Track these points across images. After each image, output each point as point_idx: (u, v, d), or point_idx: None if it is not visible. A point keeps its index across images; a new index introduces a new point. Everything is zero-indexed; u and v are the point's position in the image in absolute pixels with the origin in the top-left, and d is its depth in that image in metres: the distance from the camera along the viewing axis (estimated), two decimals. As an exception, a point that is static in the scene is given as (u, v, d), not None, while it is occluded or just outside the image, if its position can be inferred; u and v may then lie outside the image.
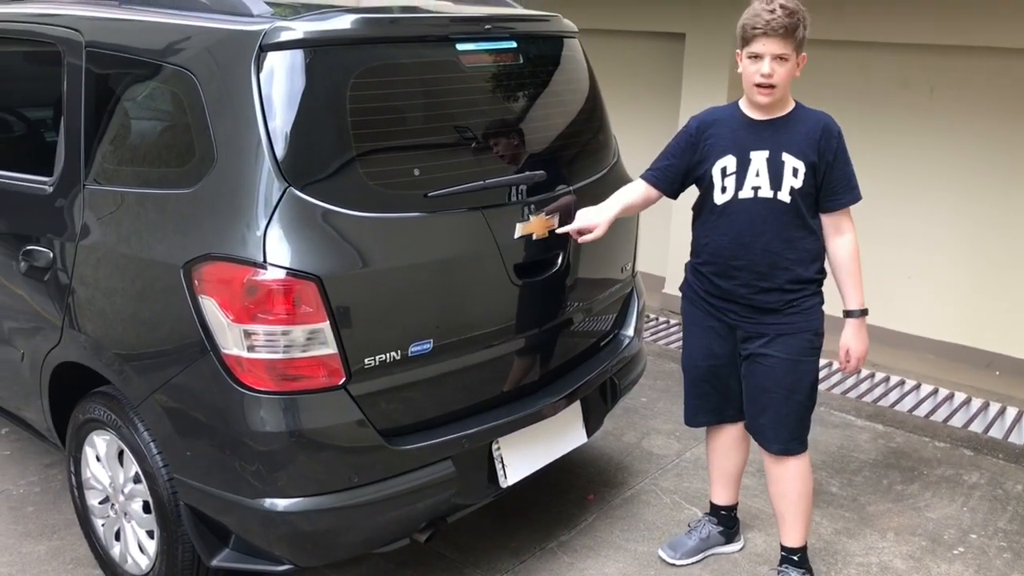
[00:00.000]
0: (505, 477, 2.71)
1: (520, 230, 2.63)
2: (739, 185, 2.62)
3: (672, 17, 5.43)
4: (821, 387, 4.57)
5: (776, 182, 2.58)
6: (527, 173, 2.69)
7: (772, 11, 2.46)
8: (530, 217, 2.66)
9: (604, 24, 5.71)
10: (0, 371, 3.18)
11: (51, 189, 2.76)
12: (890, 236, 4.90)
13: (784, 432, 2.75)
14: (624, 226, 3.17)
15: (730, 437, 2.98)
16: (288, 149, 2.27)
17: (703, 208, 2.73)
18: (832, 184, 2.59)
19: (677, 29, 5.46)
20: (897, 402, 4.48)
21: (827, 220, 2.64)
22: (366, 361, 2.34)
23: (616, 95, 5.80)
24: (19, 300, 2.90)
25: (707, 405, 2.92)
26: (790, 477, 2.80)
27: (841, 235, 2.65)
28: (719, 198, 2.66)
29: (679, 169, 2.72)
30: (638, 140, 5.70)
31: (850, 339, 2.70)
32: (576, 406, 2.95)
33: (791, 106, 2.62)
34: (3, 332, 3.05)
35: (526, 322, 2.73)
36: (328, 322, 2.26)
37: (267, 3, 2.48)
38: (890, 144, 4.84)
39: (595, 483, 3.60)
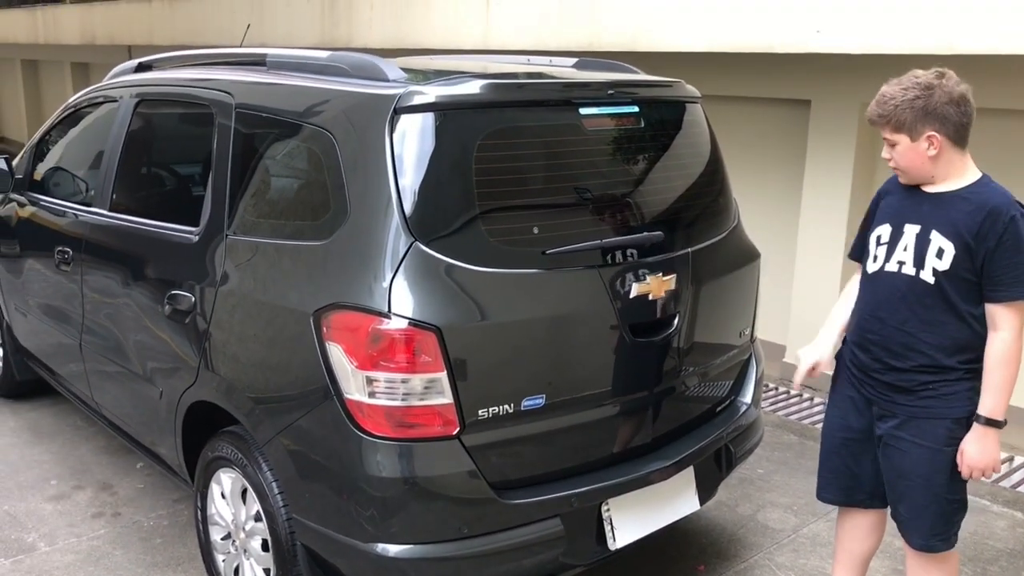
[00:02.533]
0: (614, 540, 2.68)
1: (636, 290, 2.64)
2: (887, 256, 2.50)
3: (797, 84, 5.38)
4: (953, 468, 4.32)
5: (919, 260, 2.42)
6: (645, 234, 2.71)
7: (875, 100, 2.41)
8: (647, 277, 2.67)
9: (729, 91, 5.71)
10: (140, 407, 3.40)
11: (197, 238, 2.96)
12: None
13: (923, 526, 2.53)
14: (743, 289, 3.14)
15: (864, 522, 2.78)
16: (416, 206, 2.38)
17: (861, 276, 2.65)
18: (992, 273, 2.34)
19: (802, 96, 5.41)
20: (1039, 489, 4.17)
21: (987, 311, 2.39)
22: (480, 413, 2.39)
23: (740, 161, 5.78)
24: (161, 341, 3.10)
25: (837, 482, 2.73)
26: (930, 574, 2.61)
27: (995, 331, 2.37)
28: (870, 267, 2.56)
29: (867, 239, 2.62)
30: (762, 207, 5.65)
31: (968, 443, 2.41)
32: (689, 472, 2.89)
33: (966, 181, 2.41)
34: (146, 371, 3.27)
35: (640, 382, 2.73)
36: (445, 372, 2.33)
37: (402, 68, 2.63)
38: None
39: (706, 554, 3.50)
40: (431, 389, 2.33)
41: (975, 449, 2.41)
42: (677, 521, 2.91)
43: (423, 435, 2.36)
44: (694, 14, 4.90)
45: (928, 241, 2.41)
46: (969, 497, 3.93)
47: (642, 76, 3.10)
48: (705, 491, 2.98)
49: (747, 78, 5.62)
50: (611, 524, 2.67)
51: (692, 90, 3.12)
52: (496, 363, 2.43)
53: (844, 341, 2.71)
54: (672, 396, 2.86)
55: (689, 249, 2.86)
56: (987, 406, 2.39)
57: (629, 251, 2.67)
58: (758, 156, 5.82)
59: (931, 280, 2.40)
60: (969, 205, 2.37)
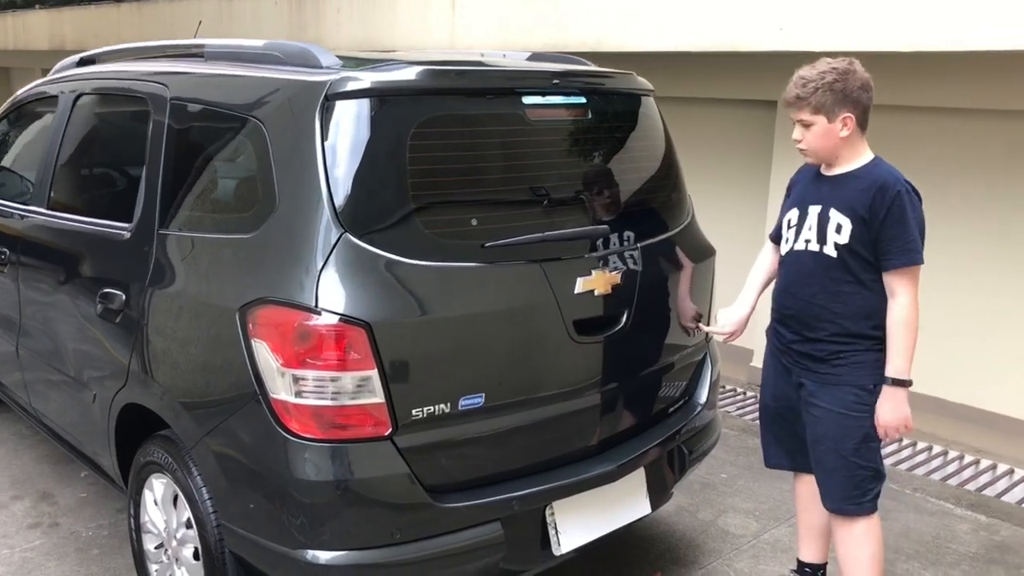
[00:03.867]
0: (559, 544, 2.57)
1: (581, 285, 2.55)
2: (796, 237, 2.68)
3: (763, 84, 5.32)
4: (918, 471, 4.27)
5: (822, 236, 2.59)
6: (590, 227, 2.63)
7: (791, 81, 2.57)
8: (592, 272, 2.58)
9: (694, 92, 5.66)
10: (77, 414, 3.27)
11: (129, 234, 2.85)
12: (1001, 314, 4.58)
13: (836, 489, 2.66)
14: (698, 286, 3.06)
15: (811, 488, 2.83)
16: (346, 196, 2.28)
17: (779, 258, 2.82)
18: (882, 243, 2.51)
19: (768, 97, 5.35)
20: (1005, 492, 4.10)
21: (884, 280, 2.55)
22: (414, 412, 2.28)
23: (705, 163, 5.73)
24: (94, 343, 2.98)
25: (781, 447, 2.88)
26: (851, 539, 2.69)
27: (893, 298, 2.54)
28: (783, 248, 2.75)
29: (781, 222, 2.82)
30: (728, 208, 5.59)
31: (880, 405, 2.57)
32: (639, 474, 2.80)
33: (861, 163, 2.59)
34: (80, 374, 3.14)
35: (586, 382, 2.63)
36: (376, 370, 2.22)
37: (338, 56, 2.54)
38: (998, 216, 4.56)
39: (664, 560, 3.40)
40: (361, 388, 2.23)
41: (886, 408, 2.55)
42: (628, 525, 2.81)
43: (353, 436, 2.25)
44: (659, 14, 4.83)
45: (828, 219, 2.58)
46: (931, 500, 3.93)
47: (591, 67, 3.02)
48: (657, 495, 2.88)
49: (714, 79, 5.57)
50: (556, 529, 2.57)
51: (643, 82, 3.04)
52: (431, 360, 2.33)
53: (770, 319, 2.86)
54: (620, 396, 2.76)
55: (638, 244, 2.77)
56: (893, 367, 2.53)
57: (573, 245, 2.58)
58: (725, 157, 5.77)
59: (834, 254, 2.57)
60: (862, 183, 2.54)
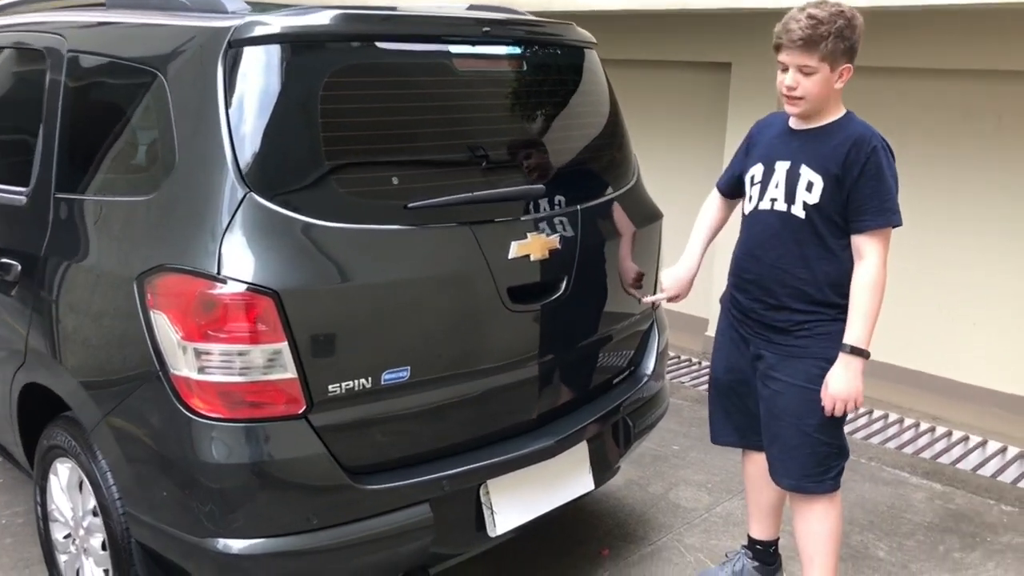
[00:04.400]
0: (494, 525, 2.42)
1: (515, 250, 2.38)
2: (760, 195, 2.47)
3: (717, 46, 5.18)
4: (874, 440, 4.19)
5: (790, 195, 2.39)
6: (524, 187, 2.45)
7: (797, 20, 2.29)
8: (528, 236, 2.41)
9: (647, 55, 5.49)
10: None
11: (25, 200, 2.62)
12: (954, 281, 4.50)
13: (794, 467, 2.49)
14: (642, 252, 2.90)
15: (761, 467, 2.68)
16: (253, 153, 2.08)
17: (741, 219, 2.60)
18: (856, 202, 2.32)
19: (722, 59, 5.21)
20: (959, 459, 4.04)
21: (853, 242, 2.36)
22: (331, 388, 2.10)
23: (659, 126, 5.57)
24: (-8, 318, 2.75)
25: (730, 423, 2.71)
26: (811, 514, 2.55)
27: (861, 260, 2.35)
28: (746, 207, 2.54)
29: (735, 173, 2.64)
30: (682, 171, 5.44)
31: (831, 374, 2.37)
32: (581, 449, 2.65)
33: (834, 117, 2.39)
34: (-18, 353, 2.91)
35: (521, 353, 2.46)
36: (287, 343, 2.04)
37: (248, 2, 2.32)
38: (952, 182, 4.46)
39: (612, 536, 3.27)
40: (270, 362, 2.04)
41: (838, 378, 2.35)
42: (571, 503, 2.66)
43: (263, 415, 2.07)
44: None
45: (798, 176, 2.38)
46: (887, 469, 3.85)
47: (527, 16, 2.82)
48: (601, 470, 2.74)
49: (666, 42, 5.40)
50: (491, 509, 2.41)
51: (584, 34, 2.85)
52: (349, 332, 2.15)
53: (725, 289, 2.68)
54: (560, 368, 2.60)
55: (579, 206, 2.60)
56: (853, 334, 2.34)
57: (507, 206, 2.40)
58: (679, 121, 5.62)
59: (802, 215, 2.38)
60: (835, 138, 2.35)
